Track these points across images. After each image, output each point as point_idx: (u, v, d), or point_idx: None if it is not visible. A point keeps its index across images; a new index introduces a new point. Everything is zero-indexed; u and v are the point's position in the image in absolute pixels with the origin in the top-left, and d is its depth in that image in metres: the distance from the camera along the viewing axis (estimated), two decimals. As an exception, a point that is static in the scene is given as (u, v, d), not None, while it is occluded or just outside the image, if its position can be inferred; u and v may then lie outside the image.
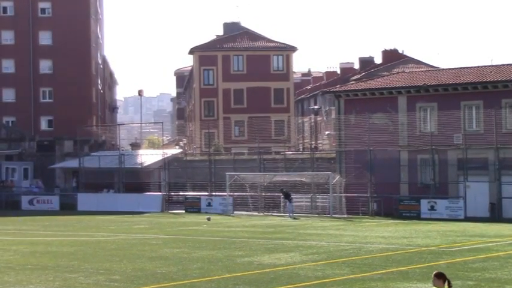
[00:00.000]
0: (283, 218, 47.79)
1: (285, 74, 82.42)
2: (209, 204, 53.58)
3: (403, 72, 63.10)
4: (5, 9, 79.05)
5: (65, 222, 45.74)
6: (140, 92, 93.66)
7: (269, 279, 20.67)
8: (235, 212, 51.48)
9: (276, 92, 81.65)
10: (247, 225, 41.41)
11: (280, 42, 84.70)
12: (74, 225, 42.71)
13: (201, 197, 55.04)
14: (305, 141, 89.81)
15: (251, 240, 32.04)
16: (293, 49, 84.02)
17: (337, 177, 50.30)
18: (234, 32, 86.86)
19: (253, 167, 55.19)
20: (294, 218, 46.62)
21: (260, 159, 55.99)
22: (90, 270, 22.66)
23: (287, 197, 49.01)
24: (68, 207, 57.01)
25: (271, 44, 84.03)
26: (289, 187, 51.17)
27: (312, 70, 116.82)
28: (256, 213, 51.40)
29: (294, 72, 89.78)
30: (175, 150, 70.83)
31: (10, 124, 75.74)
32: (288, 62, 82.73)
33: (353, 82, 67.10)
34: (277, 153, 64.41)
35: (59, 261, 25.20)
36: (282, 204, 50.67)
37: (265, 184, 52.69)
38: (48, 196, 60.75)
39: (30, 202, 59.45)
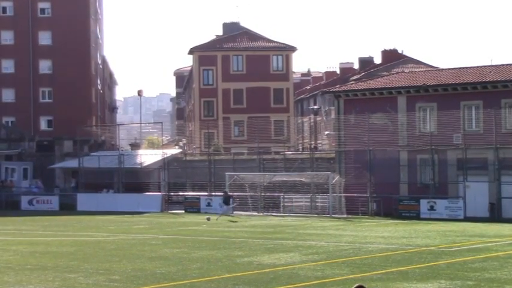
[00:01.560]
0: (282, 218, 47.82)
1: (285, 74, 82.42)
2: (209, 204, 53.57)
3: (403, 72, 63.07)
4: (4, 9, 79.03)
5: (65, 222, 45.72)
6: (140, 92, 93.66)
7: (269, 279, 20.68)
8: (234, 212, 51.47)
9: (276, 92, 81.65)
10: (246, 225, 41.41)
11: (279, 42, 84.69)
12: (74, 225, 42.70)
13: (201, 197, 55.07)
14: (305, 141, 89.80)
15: (251, 240, 32.04)
16: (293, 49, 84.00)
17: (337, 177, 50.31)
18: (234, 32, 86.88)
19: (252, 167, 55.20)
20: (231, 221, 44.88)
21: (260, 159, 55.99)
22: (90, 270, 22.66)
23: (226, 200, 48.50)
24: (68, 208, 56.97)
25: (271, 44, 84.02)
26: (288, 187, 51.17)
27: (311, 70, 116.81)
28: (256, 213, 51.40)
29: (294, 72, 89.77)
30: (174, 150, 70.78)
31: (10, 124, 75.72)
32: (287, 62, 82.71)
33: (353, 82, 67.10)
34: (277, 153, 64.39)
35: (58, 261, 25.20)
36: (220, 206, 49.61)
37: (265, 184, 52.69)
38: (47, 196, 60.69)
39: (30, 202, 59.40)
